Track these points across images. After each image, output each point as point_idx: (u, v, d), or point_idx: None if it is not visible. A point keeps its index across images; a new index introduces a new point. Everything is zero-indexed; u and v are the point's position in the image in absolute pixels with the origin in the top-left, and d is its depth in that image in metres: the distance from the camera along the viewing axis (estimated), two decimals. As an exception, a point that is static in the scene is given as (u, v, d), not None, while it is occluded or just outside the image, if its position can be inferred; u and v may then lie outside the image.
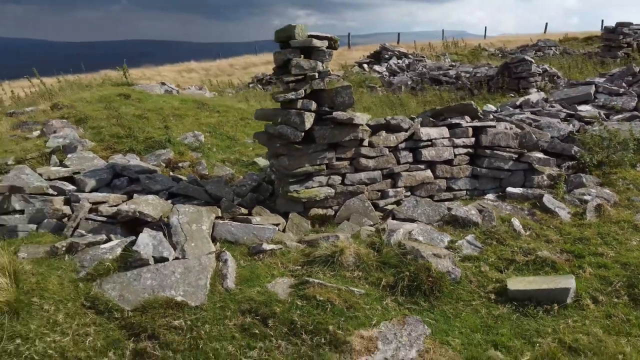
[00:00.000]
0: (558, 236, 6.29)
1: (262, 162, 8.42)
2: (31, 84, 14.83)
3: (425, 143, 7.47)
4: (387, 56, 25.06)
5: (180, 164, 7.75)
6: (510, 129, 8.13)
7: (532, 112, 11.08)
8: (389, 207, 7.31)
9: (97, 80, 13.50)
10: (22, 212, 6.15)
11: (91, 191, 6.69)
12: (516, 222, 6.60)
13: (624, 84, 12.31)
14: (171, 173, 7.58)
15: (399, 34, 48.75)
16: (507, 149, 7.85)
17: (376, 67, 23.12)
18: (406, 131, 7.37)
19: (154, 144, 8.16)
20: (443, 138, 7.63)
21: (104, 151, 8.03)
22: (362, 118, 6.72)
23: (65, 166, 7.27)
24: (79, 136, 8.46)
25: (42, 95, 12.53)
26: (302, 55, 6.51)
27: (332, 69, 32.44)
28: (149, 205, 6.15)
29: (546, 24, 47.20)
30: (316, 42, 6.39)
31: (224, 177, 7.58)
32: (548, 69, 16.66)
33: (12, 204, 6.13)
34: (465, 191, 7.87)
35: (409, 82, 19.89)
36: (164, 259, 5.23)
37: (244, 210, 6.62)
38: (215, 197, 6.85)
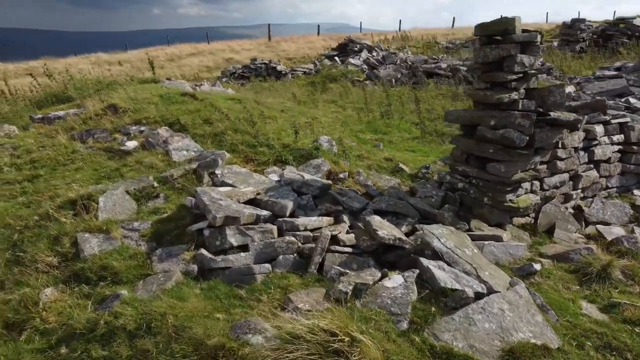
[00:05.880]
0: None
1: (407, 168, 7.62)
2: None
3: (597, 142, 7.24)
4: (355, 49, 24.63)
5: (341, 175, 6.70)
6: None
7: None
8: (570, 210, 6.97)
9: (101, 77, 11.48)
10: (242, 248, 4.88)
11: (290, 215, 5.52)
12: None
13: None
14: (338, 186, 6.54)
15: (318, 25, 48.35)
16: (652, 144, 7.88)
17: (351, 60, 22.58)
18: (578, 129, 7.06)
19: (304, 153, 6.97)
20: (604, 136, 7.45)
21: (244, 163, 6.69)
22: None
23: (227, 184, 5.94)
24: (204, 148, 6.99)
25: (52, 95, 10.37)
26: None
27: (286, 62, 31.11)
28: (388, 228, 5.19)
29: (454, 18, 48.04)
30: (538, 37, 5.83)
31: (400, 188, 6.71)
32: (545, 63, 17.37)
33: (228, 239, 4.83)
34: (615, 188, 7.78)
35: (399, 76, 19.68)
36: (479, 295, 4.40)
37: (465, 226, 5.88)
38: (423, 213, 6.03)
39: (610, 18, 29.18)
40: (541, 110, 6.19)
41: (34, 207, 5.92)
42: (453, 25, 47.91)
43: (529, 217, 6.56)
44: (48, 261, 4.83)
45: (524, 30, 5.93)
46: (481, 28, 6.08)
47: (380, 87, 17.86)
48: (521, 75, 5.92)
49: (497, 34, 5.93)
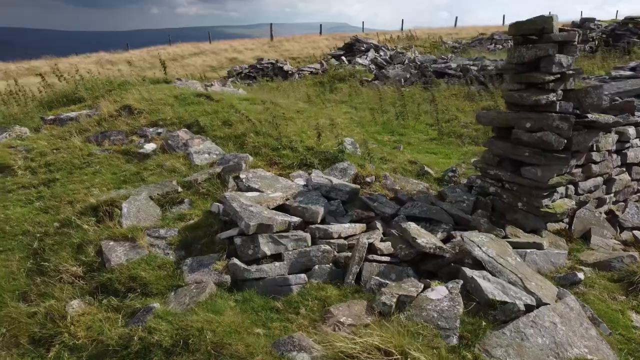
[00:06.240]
0: None
1: (432, 172, 7.41)
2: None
3: (629, 144, 7.02)
4: (362, 48, 24.39)
5: (367, 179, 6.49)
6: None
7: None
8: (603, 215, 6.76)
9: (114, 77, 11.26)
10: (276, 257, 4.66)
11: (321, 222, 5.30)
12: None
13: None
14: (366, 190, 6.32)
15: (320, 25, 47.87)
16: (679, 146, 7.65)
17: (358, 60, 22.36)
18: (611, 132, 6.85)
19: (329, 156, 6.74)
20: (636, 138, 7.23)
21: (268, 167, 6.47)
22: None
23: (253, 189, 5.72)
24: (226, 151, 6.76)
25: (62, 95, 10.14)
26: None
27: (290, 62, 30.97)
28: (426, 236, 4.97)
29: (456, 17, 47.55)
30: (576, 37, 5.62)
31: (429, 193, 6.50)
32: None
33: (261, 248, 4.61)
34: (645, 192, 7.56)
35: (408, 75, 19.46)
36: (529, 308, 4.19)
37: (502, 233, 5.67)
38: (457, 218, 5.82)
39: (611, 17, 29.00)
40: (577, 112, 5.99)
41: (53, 212, 5.70)
42: (455, 24, 47.38)
43: (563, 222, 6.34)
44: (73, 271, 4.60)
45: (560, 30, 5.73)
46: (516, 27, 5.86)
47: (390, 87, 17.63)
48: (558, 76, 5.71)
49: (533, 34, 5.73)
